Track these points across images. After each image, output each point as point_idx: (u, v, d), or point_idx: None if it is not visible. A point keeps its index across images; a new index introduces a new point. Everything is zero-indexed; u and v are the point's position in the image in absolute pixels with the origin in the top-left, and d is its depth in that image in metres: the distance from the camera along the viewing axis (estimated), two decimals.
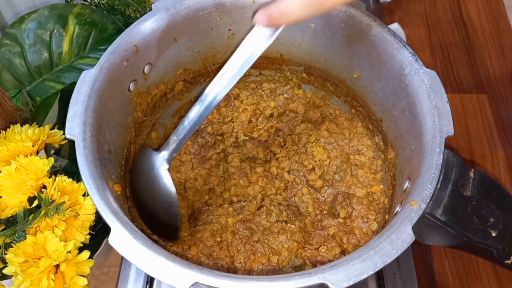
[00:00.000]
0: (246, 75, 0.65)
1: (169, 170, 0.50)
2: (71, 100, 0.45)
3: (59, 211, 0.44)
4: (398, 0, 0.89)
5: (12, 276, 0.43)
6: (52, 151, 0.51)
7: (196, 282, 0.36)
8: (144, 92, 0.55)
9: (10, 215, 0.46)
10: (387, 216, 0.52)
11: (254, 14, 0.38)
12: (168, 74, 0.58)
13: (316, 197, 0.58)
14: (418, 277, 0.60)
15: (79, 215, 0.46)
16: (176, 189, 0.55)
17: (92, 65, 0.48)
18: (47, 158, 0.48)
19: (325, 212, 0.57)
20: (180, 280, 0.36)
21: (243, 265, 0.52)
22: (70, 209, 0.45)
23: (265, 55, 0.62)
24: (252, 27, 0.43)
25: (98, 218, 0.46)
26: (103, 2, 0.70)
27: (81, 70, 0.54)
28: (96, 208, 0.40)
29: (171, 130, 0.62)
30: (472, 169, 0.45)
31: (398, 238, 0.38)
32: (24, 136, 0.49)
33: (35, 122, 0.52)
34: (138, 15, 0.70)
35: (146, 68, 0.54)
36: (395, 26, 0.69)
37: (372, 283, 0.59)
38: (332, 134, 0.61)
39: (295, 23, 0.38)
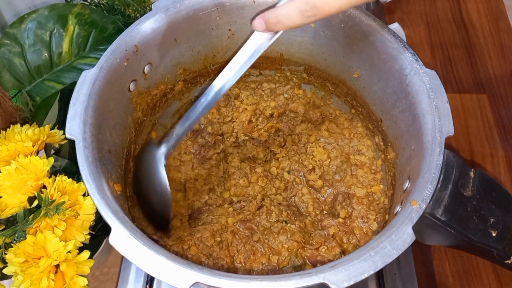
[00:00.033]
0: (246, 75, 0.65)
1: (165, 164, 0.50)
2: (71, 100, 0.45)
3: (59, 211, 0.44)
4: (398, 0, 0.89)
5: (12, 276, 0.43)
6: (52, 151, 0.51)
7: (197, 282, 0.36)
8: (144, 92, 0.55)
9: (10, 215, 0.46)
10: (387, 216, 0.52)
11: (253, 19, 0.39)
12: (168, 74, 0.58)
13: (316, 197, 0.58)
14: (418, 277, 0.60)
15: (79, 215, 0.46)
16: (177, 189, 0.55)
17: (92, 65, 0.48)
18: (47, 158, 0.48)
19: (325, 212, 0.57)
20: (181, 280, 0.36)
21: (243, 265, 0.52)
22: (70, 209, 0.45)
23: (265, 55, 0.62)
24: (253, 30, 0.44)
25: (98, 218, 0.46)
26: (103, 2, 0.70)
27: (81, 70, 0.54)
28: (96, 208, 0.40)
29: (171, 130, 0.62)
30: (472, 169, 0.45)
31: (399, 238, 0.38)
32: (24, 136, 0.49)
33: (35, 122, 0.52)
34: (138, 15, 0.70)
35: (146, 68, 0.54)
36: (395, 26, 0.69)
37: (372, 283, 0.59)
38: (332, 134, 0.61)
39: (291, 29, 0.39)
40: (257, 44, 0.43)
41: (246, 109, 0.64)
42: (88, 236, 0.46)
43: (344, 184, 0.58)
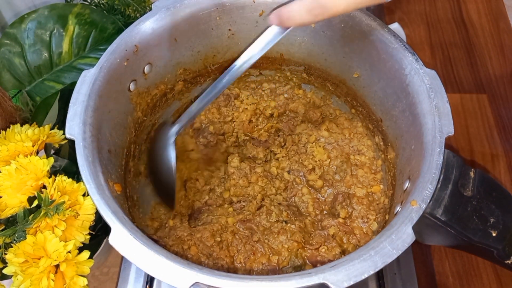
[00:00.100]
0: (246, 75, 0.65)
1: (175, 142, 0.53)
2: (71, 100, 0.45)
3: (59, 211, 0.44)
4: (398, 0, 0.89)
5: (12, 276, 0.43)
6: (52, 151, 0.51)
7: (197, 282, 0.36)
8: (144, 92, 0.55)
9: (10, 215, 0.46)
10: (387, 216, 0.52)
11: (269, 14, 0.43)
12: (168, 74, 0.58)
13: (316, 197, 0.58)
14: (418, 277, 0.60)
15: (79, 215, 0.45)
16: (178, 189, 0.56)
17: (92, 65, 0.48)
18: (47, 158, 0.48)
19: (325, 212, 0.57)
20: (181, 280, 0.36)
21: (243, 265, 0.51)
22: (70, 209, 0.44)
23: (265, 55, 0.61)
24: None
25: (98, 218, 0.46)
26: (103, 2, 0.70)
27: (81, 70, 0.54)
28: (96, 208, 0.40)
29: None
30: (472, 169, 0.45)
31: (399, 238, 0.38)
32: (24, 136, 0.49)
33: (35, 122, 0.52)
34: (138, 15, 0.70)
35: (146, 68, 0.54)
36: (395, 26, 0.68)
37: (372, 283, 0.59)
38: (332, 134, 0.61)
39: (301, 26, 0.42)
40: (272, 35, 0.46)
41: (246, 109, 0.64)
42: (88, 236, 0.46)
43: (344, 184, 0.58)
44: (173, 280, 0.36)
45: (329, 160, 0.59)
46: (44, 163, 0.47)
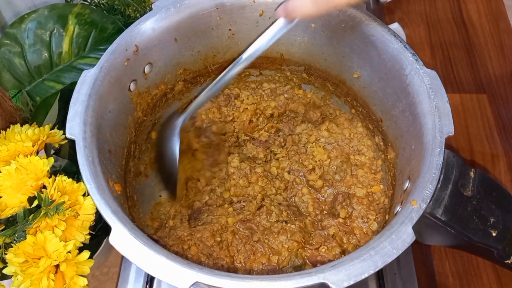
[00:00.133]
0: (246, 75, 0.65)
1: (180, 132, 0.54)
2: (72, 100, 0.45)
3: (59, 211, 0.44)
4: (398, 0, 0.89)
5: (12, 276, 0.43)
6: (52, 151, 0.51)
7: (197, 282, 0.36)
8: (144, 92, 0.55)
9: (10, 215, 0.46)
10: (387, 216, 0.52)
11: (276, 8, 0.45)
12: (168, 74, 0.58)
13: (316, 197, 0.58)
14: (418, 277, 0.60)
15: (79, 215, 0.45)
16: (179, 188, 0.56)
17: (92, 65, 0.48)
18: (47, 158, 0.48)
19: (325, 212, 0.57)
20: (181, 280, 0.36)
21: (243, 265, 0.51)
22: (70, 209, 0.44)
23: (266, 55, 0.62)
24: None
25: (98, 218, 0.46)
26: (103, 2, 0.70)
27: (81, 70, 0.54)
28: (96, 208, 0.40)
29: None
30: (472, 169, 0.45)
31: (399, 238, 0.38)
32: (24, 136, 0.49)
33: (35, 122, 0.52)
34: (138, 15, 0.70)
35: (147, 68, 0.54)
36: (395, 26, 0.69)
37: (372, 283, 0.59)
38: (332, 134, 0.61)
39: (307, 18, 0.45)
40: (279, 27, 0.47)
41: (247, 108, 0.64)
42: (88, 236, 0.46)
43: (344, 184, 0.58)
44: (174, 279, 0.36)
45: (329, 160, 0.59)
46: (44, 163, 0.47)
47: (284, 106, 0.65)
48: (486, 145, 0.72)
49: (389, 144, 0.55)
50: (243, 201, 0.56)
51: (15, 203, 0.46)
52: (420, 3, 0.90)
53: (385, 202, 0.55)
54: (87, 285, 0.43)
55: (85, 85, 0.46)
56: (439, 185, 0.42)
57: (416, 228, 0.39)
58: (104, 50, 0.49)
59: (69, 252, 0.43)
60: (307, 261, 0.52)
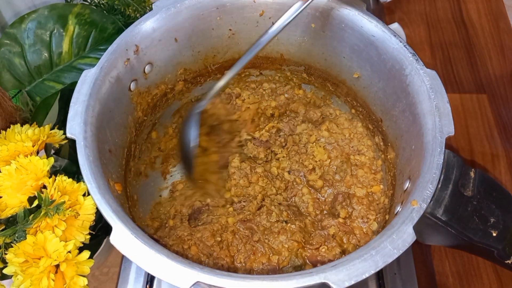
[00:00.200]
0: (247, 75, 0.65)
1: (199, 114, 0.53)
2: (72, 100, 0.45)
3: (59, 211, 0.44)
4: (398, 0, 0.89)
5: (12, 276, 0.43)
6: (52, 151, 0.51)
7: (198, 281, 0.36)
8: (145, 92, 0.55)
9: (10, 215, 0.45)
10: (387, 216, 0.52)
11: None
12: (169, 74, 0.58)
13: (316, 197, 0.58)
14: (418, 277, 0.60)
15: (79, 215, 0.45)
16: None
17: (92, 65, 0.48)
18: (47, 158, 0.48)
19: (325, 212, 0.57)
20: (182, 279, 0.36)
21: (244, 265, 0.51)
22: (70, 209, 0.44)
23: (266, 55, 0.62)
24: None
25: (98, 218, 0.46)
26: (103, 2, 0.70)
27: (81, 70, 0.54)
28: (96, 208, 0.40)
29: (172, 130, 0.62)
30: (473, 169, 0.45)
31: (399, 238, 0.38)
32: (24, 136, 0.49)
33: (35, 122, 0.52)
34: (138, 15, 0.70)
35: (147, 68, 0.54)
36: (395, 26, 0.69)
37: (372, 283, 0.59)
38: (333, 134, 0.61)
39: None
40: (295, 8, 0.48)
41: (249, 107, 0.64)
42: (88, 236, 0.46)
43: (344, 184, 0.58)
44: (174, 279, 0.36)
45: (329, 160, 0.59)
46: (44, 163, 0.47)
47: (285, 106, 0.65)
48: (486, 145, 0.72)
49: (389, 144, 0.55)
50: (244, 201, 0.56)
51: (15, 203, 0.46)
52: (420, 3, 0.90)
53: (385, 202, 0.55)
54: (87, 285, 0.43)
55: (86, 85, 0.46)
56: (439, 185, 0.42)
57: (417, 228, 0.39)
58: (104, 50, 0.49)
59: (69, 252, 0.43)
60: (307, 261, 0.52)
